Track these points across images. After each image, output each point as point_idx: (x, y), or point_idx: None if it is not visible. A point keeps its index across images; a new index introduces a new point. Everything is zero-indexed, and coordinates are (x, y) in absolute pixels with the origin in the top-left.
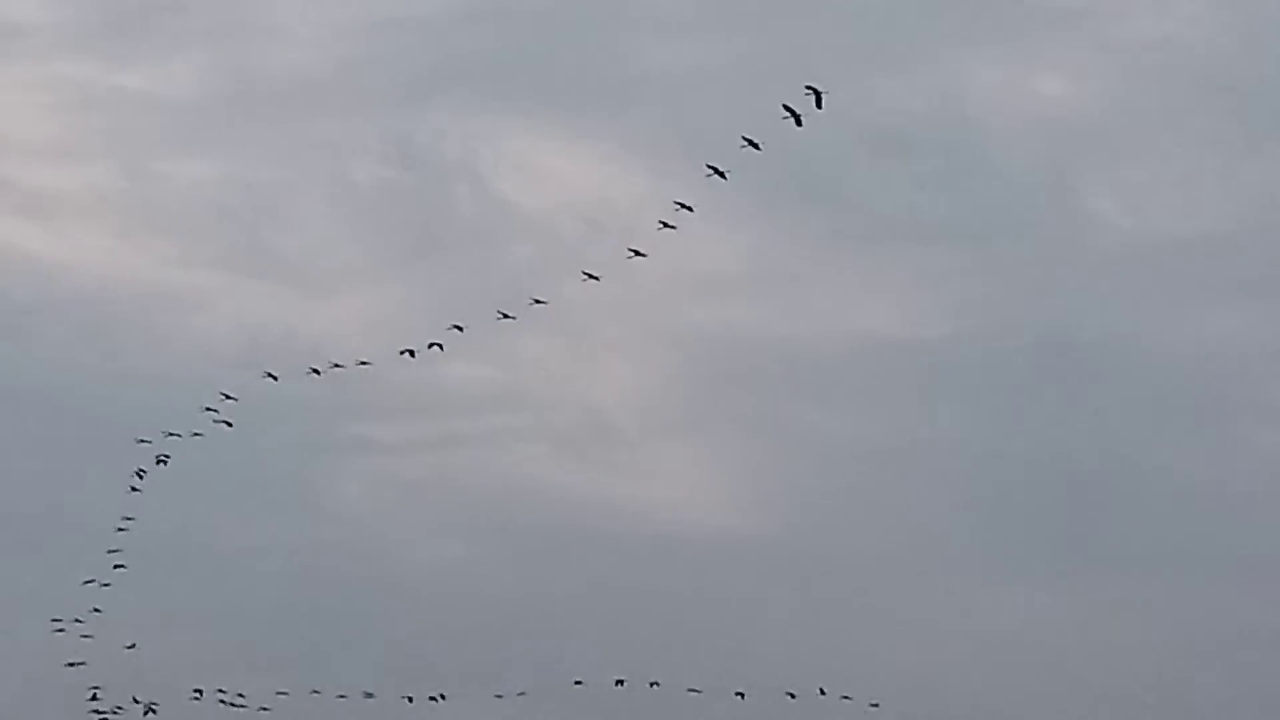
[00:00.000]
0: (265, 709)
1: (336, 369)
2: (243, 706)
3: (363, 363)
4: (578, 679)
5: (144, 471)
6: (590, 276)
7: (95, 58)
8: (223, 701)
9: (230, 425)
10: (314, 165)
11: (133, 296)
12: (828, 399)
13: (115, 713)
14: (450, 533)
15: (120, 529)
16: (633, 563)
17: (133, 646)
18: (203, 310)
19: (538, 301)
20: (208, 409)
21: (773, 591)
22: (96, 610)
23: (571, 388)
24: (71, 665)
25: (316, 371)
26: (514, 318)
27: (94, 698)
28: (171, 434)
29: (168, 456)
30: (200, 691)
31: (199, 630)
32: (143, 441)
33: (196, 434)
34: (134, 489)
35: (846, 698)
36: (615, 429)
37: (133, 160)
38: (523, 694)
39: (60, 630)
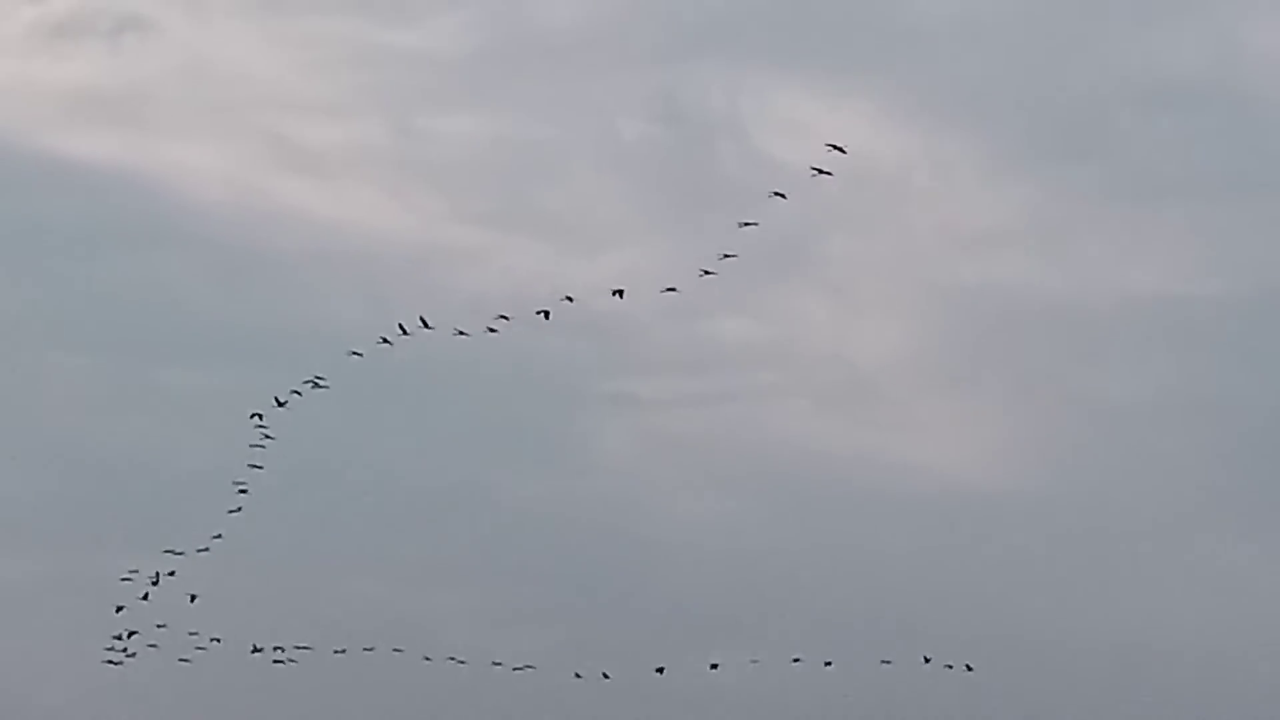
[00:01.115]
0: (526, 667)
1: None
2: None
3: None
4: (828, 660)
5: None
6: (779, 195)
7: (364, 14)
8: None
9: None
10: (581, 121)
11: (403, 252)
12: (1097, 356)
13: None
14: (712, 489)
15: (240, 488)
16: (894, 521)
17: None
18: (472, 266)
19: (747, 224)
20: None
21: (1036, 550)
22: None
23: (837, 344)
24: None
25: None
26: (713, 273)
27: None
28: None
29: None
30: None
31: (457, 582)
32: (255, 415)
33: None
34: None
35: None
36: (880, 386)
37: (402, 117)
38: (754, 662)
39: None
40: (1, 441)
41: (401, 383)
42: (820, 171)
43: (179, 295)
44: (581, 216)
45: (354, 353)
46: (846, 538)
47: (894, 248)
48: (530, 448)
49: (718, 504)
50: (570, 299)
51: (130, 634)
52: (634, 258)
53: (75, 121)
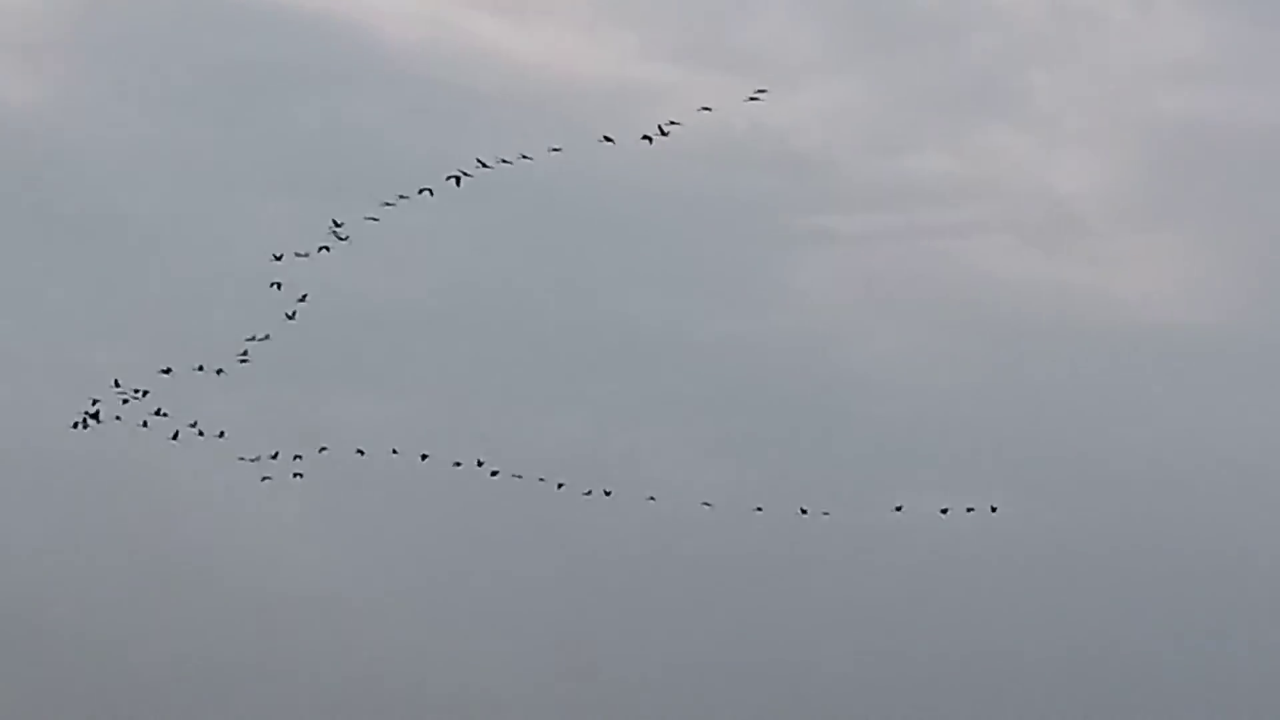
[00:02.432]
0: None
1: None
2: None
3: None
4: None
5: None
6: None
7: None
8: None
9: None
10: None
11: (597, 90)
12: None
13: None
14: (910, 325)
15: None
16: (1097, 355)
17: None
18: (666, 104)
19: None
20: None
21: (1243, 385)
22: None
23: (1037, 179)
24: None
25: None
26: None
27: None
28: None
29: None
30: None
31: (650, 419)
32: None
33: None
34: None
35: None
36: (1081, 220)
37: None
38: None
39: None
40: (204, 285)
41: (598, 218)
42: (752, 98)
43: (374, 135)
44: (776, 53)
45: (386, 203)
46: (1046, 372)
47: (1094, 80)
48: (725, 284)
49: (916, 340)
50: (612, 141)
51: (95, 414)
52: (829, 94)
53: None
